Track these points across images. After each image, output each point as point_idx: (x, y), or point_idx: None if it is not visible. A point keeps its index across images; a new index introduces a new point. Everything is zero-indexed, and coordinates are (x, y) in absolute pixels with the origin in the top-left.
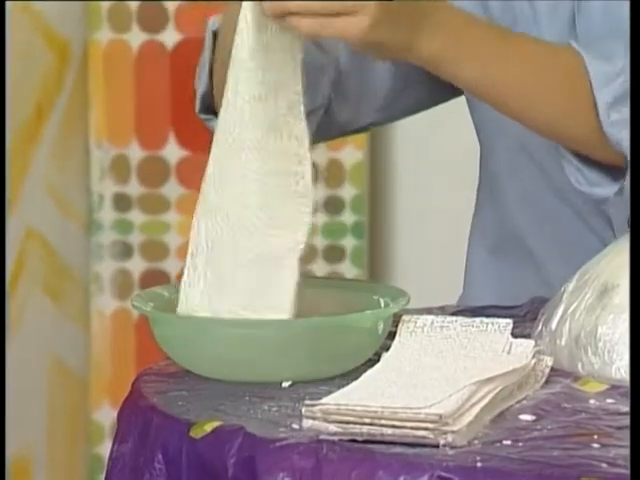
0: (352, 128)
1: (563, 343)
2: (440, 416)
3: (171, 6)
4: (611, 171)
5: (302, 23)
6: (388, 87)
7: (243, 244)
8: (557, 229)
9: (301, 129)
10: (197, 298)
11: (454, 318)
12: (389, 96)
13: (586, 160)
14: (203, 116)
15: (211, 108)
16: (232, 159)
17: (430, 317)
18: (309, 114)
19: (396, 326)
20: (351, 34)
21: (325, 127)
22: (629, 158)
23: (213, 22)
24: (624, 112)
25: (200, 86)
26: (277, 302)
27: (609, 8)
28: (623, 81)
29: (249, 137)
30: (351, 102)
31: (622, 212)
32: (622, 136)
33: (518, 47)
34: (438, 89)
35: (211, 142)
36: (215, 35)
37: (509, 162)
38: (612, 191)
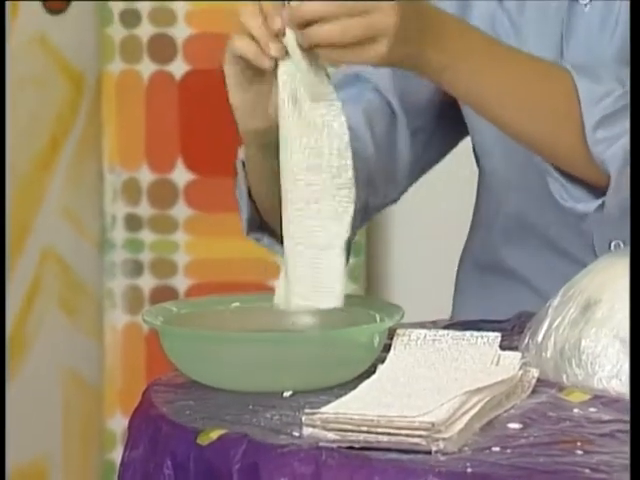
0: (384, 206)
1: (548, 355)
2: (433, 424)
3: (180, 38)
4: (594, 188)
5: (324, 53)
6: (409, 159)
7: (294, 236)
8: (542, 254)
9: (340, 125)
10: (282, 287)
11: (446, 332)
12: (412, 165)
13: (570, 177)
14: (253, 235)
15: (262, 227)
16: (285, 160)
17: (423, 331)
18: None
19: (391, 339)
20: (371, 60)
21: (363, 218)
22: (614, 175)
23: (241, 152)
24: (610, 131)
25: (244, 212)
26: (327, 289)
27: (592, 46)
28: (611, 102)
29: (294, 136)
30: (380, 190)
31: (602, 232)
32: (607, 155)
33: (513, 60)
34: (452, 134)
35: (216, 166)
36: (244, 164)
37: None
38: (593, 207)
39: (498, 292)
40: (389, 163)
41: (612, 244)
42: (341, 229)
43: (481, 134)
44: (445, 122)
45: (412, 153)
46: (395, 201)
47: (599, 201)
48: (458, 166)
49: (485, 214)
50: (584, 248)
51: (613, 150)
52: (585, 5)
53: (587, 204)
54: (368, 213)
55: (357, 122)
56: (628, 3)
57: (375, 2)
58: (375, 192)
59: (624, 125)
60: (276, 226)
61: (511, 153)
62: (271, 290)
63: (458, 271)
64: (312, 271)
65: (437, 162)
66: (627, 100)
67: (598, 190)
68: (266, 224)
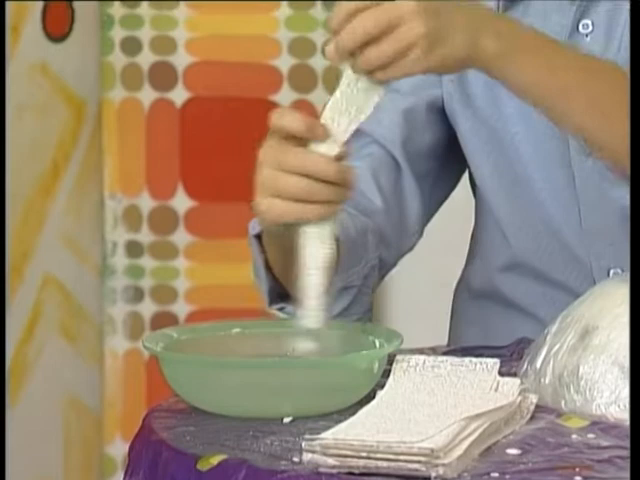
0: (399, 258)
1: (547, 381)
2: (432, 450)
3: (180, 66)
4: None
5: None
6: (418, 207)
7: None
8: (539, 284)
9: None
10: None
11: (445, 358)
12: (421, 211)
13: None
14: (275, 307)
15: (283, 295)
16: None
17: (422, 357)
18: (367, 276)
19: (390, 365)
20: (415, 69)
21: (380, 275)
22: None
23: (253, 227)
24: None
25: (263, 284)
26: (308, 310)
27: None
28: None
29: None
30: (393, 244)
31: (601, 260)
32: None
33: (584, 62)
34: (457, 172)
35: (217, 193)
36: (259, 237)
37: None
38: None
39: (495, 319)
40: (399, 215)
41: (611, 272)
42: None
43: (479, 169)
44: (449, 162)
45: (420, 200)
46: (410, 249)
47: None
48: (455, 193)
49: (481, 245)
50: (582, 279)
51: None
52: (586, 35)
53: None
54: (384, 269)
55: (364, 180)
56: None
57: (396, 9)
58: (388, 247)
59: None
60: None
61: (508, 188)
62: (271, 316)
63: (454, 298)
64: (300, 292)
65: (445, 201)
66: None
67: None
68: (287, 291)
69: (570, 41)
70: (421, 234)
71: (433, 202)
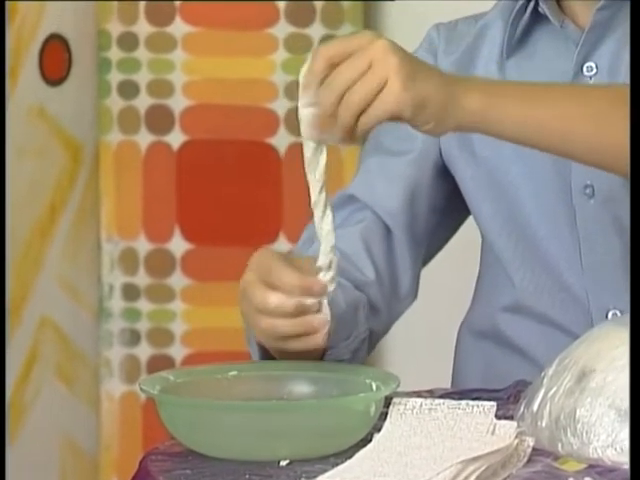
0: (390, 325)
1: (544, 424)
2: None
3: (177, 109)
4: None
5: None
6: (411, 271)
7: None
8: (539, 327)
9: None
10: None
11: (441, 401)
12: (414, 274)
13: None
14: None
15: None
16: None
17: (419, 400)
18: (357, 350)
19: (387, 408)
20: (390, 101)
21: (370, 346)
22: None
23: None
24: None
25: (256, 356)
26: None
27: None
28: None
29: None
30: (384, 313)
31: (600, 302)
32: None
33: (555, 87)
34: (455, 223)
35: (213, 236)
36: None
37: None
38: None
39: (495, 360)
40: (390, 284)
41: (610, 313)
42: None
43: (480, 211)
44: (448, 214)
45: (412, 266)
46: (402, 313)
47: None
48: (461, 234)
49: (485, 285)
50: (581, 320)
51: None
52: (590, 78)
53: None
54: (374, 339)
55: (355, 248)
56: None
57: (367, 49)
58: (379, 317)
59: None
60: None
61: (508, 229)
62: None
63: (458, 338)
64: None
65: (442, 248)
66: None
67: None
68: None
69: (573, 82)
70: (415, 296)
71: (429, 256)
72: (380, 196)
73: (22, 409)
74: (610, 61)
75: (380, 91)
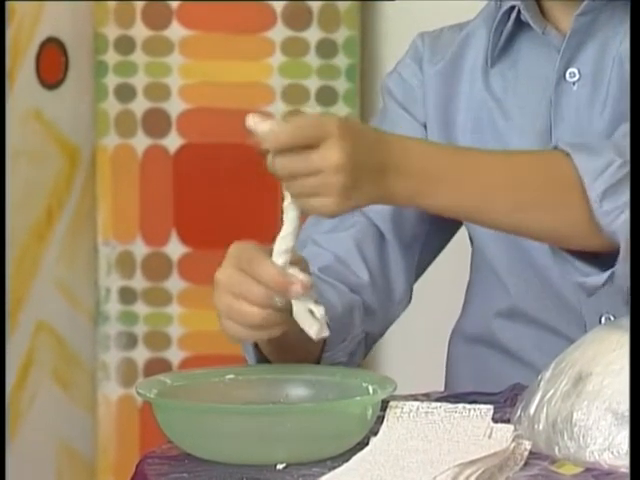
0: (386, 328)
1: (541, 428)
2: None
3: (174, 113)
4: (600, 260)
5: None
6: (404, 275)
7: None
8: (532, 331)
9: None
10: None
11: (438, 404)
12: (408, 279)
13: (576, 253)
14: None
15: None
16: None
17: (416, 403)
18: (353, 353)
19: (384, 411)
20: (325, 213)
21: (366, 349)
22: (624, 244)
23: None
24: (616, 201)
25: (251, 359)
26: None
27: (582, 123)
28: (613, 172)
29: None
30: (379, 316)
31: (593, 307)
32: (616, 225)
33: (496, 163)
34: (447, 232)
35: (210, 239)
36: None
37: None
38: (603, 279)
39: (489, 364)
40: (385, 287)
41: (603, 318)
42: None
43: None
44: (440, 222)
45: (406, 269)
46: (397, 317)
47: (608, 272)
48: (454, 241)
49: (479, 291)
50: (574, 325)
51: (621, 219)
52: (573, 84)
53: (597, 277)
54: (370, 341)
55: (349, 251)
56: (618, 74)
57: (321, 161)
58: (374, 320)
59: (628, 194)
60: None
61: (500, 237)
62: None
63: (450, 343)
64: None
65: (436, 257)
66: (628, 169)
67: (604, 260)
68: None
69: (557, 90)
70: (409, 301)
71: (423, 264)
72: None
73: (19, 412)
74: (593, 67)
75: (315, 197)
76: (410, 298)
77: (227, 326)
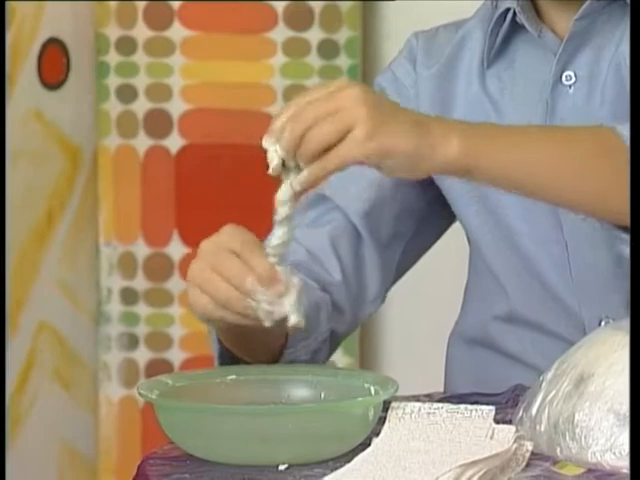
0: (354, 328)
1: (542, 429)
2: None
3: (175, 113)
4: None
5: (310, 172)
6: (379, 277)
7: None
8: (530, 333)
9: None
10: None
11: (440, 405)
12: (383, 281)
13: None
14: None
15: (234, 359)
16: None
17: (418, 404)
18: (317, 351)
19: (386, 412)
20: (353, 148)
21: (332, 347)
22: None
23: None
24: None
25: (215, 350)
26: None
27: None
28: None
29: None
30: (347, 315)
31: (592, 310)
32: None
33: (542, 130)
34: (434, 230)
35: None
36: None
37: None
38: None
39: (488, 367)
40: (357, 286)
41: (602, 322)
42: None
43: (470, 224)
44: (429, 222)
45: (381, 269)
46: (369, 315)
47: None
48: (450, 240)
49: (477, 294)
50: (574, 328)
51: None
52: (570, 87)
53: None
54: (336, 339)
55: (322, 247)
56: (614, 77)
57: (341, 97)
58: (342, 318)
59: None
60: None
61: (498, 241)
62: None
63: (449, 346)
64: None
65: (422, 255)
66: None
67: None
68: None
69: (554, 93)
70: (383, 300)
71: (406, 263)
72: (352, 198)
73: (20, 413)
74: (589, 70)
75: (344, 137)
76: (384, 298)
77: (193, 295)
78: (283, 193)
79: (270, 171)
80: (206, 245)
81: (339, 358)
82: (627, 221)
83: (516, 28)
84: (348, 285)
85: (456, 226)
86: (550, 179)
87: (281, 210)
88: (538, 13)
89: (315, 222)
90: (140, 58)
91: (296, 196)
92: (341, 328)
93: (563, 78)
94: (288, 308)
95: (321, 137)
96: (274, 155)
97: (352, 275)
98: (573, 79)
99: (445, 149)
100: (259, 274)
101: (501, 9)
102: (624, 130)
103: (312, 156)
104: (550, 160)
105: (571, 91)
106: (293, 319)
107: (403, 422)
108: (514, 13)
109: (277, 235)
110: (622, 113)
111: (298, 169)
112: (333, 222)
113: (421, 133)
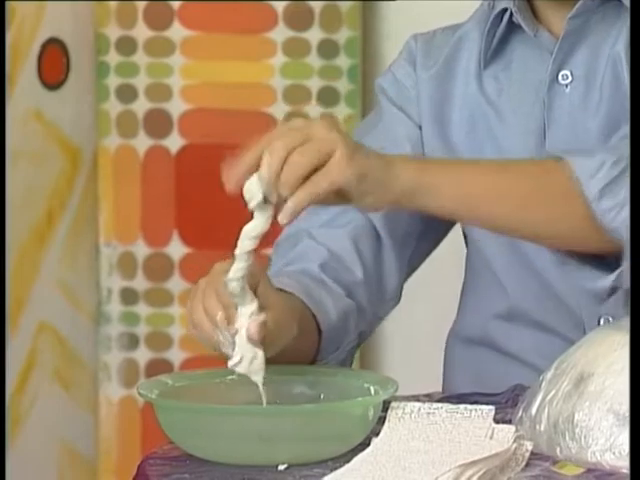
0: (375, 326)
1: (542, 428)
2: None
3: (175, 113)
4: (605, 263)
5: (296, 201)
6: (397, 274)
7: None
8: (530, 332)
9: None
10: None
11: (440, 405)
12: (400, 278)
13: (581, 259)
14: None
15: None
16: None
17: (417, 404)
18: (345, 360)
19: (385, 412)
20: (335, 172)
21: (355, 346)
22: (628, 235)
23: None
24: (615, 198)
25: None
26: None
27: (575, 125)
28: (607, 170)
29: None
30: (368, 314)
31: (591, 309)
32: (617, 222)
33: (491, 165)
34: (440, 231)
35: (211, 240)
36: None
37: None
38: (610, 281)
39: (487, 366)
40: (377, 285)
41: (601, 321)
42: None
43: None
44: (431, 225)
45: (398, 269)
46: (386, 315)
47: (616, 272)
48: (449, 240)
49: (476, 293)
50: (573, 327)
51: (622, 216)
52: (566, 86)
53: (604, 280)
54: (361, 341)
55: (345, 248)
56: (610, 76)
57: (313, 128)
58: (366, 320)
59: (627, 190)
60: None
61: (498, 239)
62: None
63: (447, 345)
64: None
65: (428, 256)
66: (623, 165)
67: (610, 262)
68: None
69: (550, 93)
70: (398, 300)
71: (414, 264)
72: None
73: (20, 414)
74: (585, 69)
75: (326, 161)
76: (400, 297)
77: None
78: (254, 229)
79: (251, 206)
80: (202, 282)
81: None
82: (579, 244)
83: (513, 28)
84: (369, 284)
85: (454, 227)
86: (489, 213)
87: (245, 244)
88: (534, 13)
89: (333, 222)
90: (140, 58)
91: (265, 234)
92: (365, 330)
93: (559, 77)
94: (231, 350)
95: (305, 161)
96: (254, 187)
97: (373, 274)
98: (569, 78)
99: (403, 171)
100: (211, 316)
101: (497, 9)
102: (575, 162)
103: (297, 180)
104: (488, 195)
105: (568, 90)
106: (230, 363)
107: (403, 422)
108: (511, 13)
109: (235, 269)
110: (619, 112)
111: (271, 206)
112: (353, 222)
113: (385, 159)
